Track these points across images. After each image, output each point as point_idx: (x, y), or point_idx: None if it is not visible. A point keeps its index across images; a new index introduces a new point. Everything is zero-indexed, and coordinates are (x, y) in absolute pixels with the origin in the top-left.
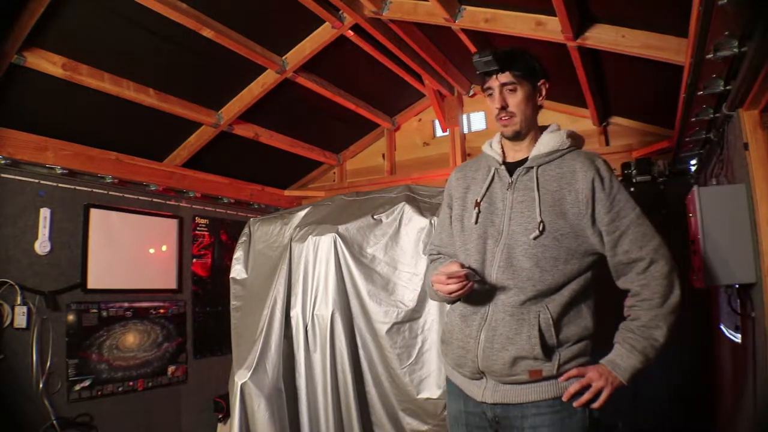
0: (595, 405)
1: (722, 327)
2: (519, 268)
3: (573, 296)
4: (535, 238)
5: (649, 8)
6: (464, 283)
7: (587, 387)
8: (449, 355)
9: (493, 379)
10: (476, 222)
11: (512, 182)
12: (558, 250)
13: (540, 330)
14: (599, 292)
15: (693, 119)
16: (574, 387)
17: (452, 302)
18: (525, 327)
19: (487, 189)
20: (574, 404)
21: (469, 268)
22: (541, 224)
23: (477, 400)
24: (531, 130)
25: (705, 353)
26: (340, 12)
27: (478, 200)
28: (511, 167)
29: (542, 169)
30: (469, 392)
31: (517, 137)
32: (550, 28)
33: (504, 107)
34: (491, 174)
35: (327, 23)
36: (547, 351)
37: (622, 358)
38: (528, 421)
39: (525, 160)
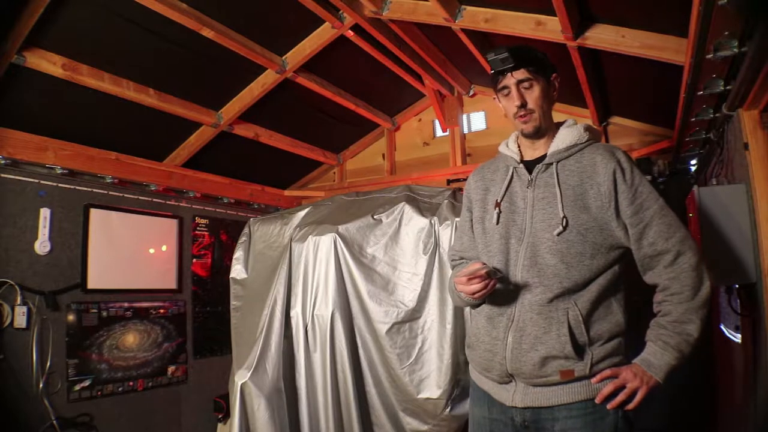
0: (630, 406)
1: (722, 327)
2: (544, 265)
3: (601, 291)
4: (558, 234)
5: (649, 8)
6: (486, 281)
7: (621, 388)
8: (475, 359)
9: (522, 382)
10: (497, 222)
11: (532, 180)
12: (583, 245)
13: (570, 327)
14: (628, 288)
15: (693, 119)
16: (608, 388)
17: (477, 305)
18: (554, 325)
19: (507, 188)
20: (608, 406)
21: (490, 266)
22: (564, 219)
23: (506, 405)
24: (549, 125)
25: (705, 353)
26: (340, 12)
27: (498, 200)
28: (529, 165)
29: (561, 165)
30: (497, 397)
31: (537, 134)
32: (550, 28)
33: (524, 104)
34: (510, 173)
35: (327, 23)
36: (579, 349)
37: (656, 356)
38: (559, 424)
39: (543, 157)
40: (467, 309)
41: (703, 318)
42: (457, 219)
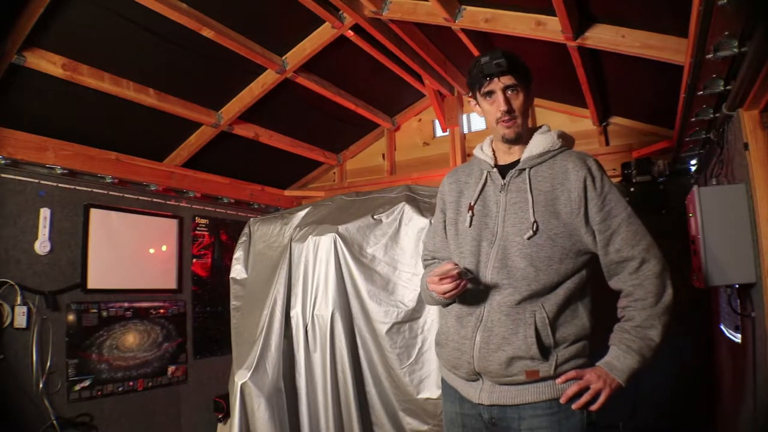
0: (594, 407)
1: (722, 327)
2: (513, 268)
3: (568, 295)
4: (529, 238)
5: (649, 8)
6: (458, 281)
7: (585, 389)
8: (444, 357)
9: (489, 380)
10: (470, 225)
11: (505, 184)
12: (552, 250)
13: (536, 329)
14: (595, 293)
15: (693, 119)
16: (572, 389)
17: (447, 304)
18: (521, 327)
19: (480, 192)
20: (573, 406)
21: (462, 267)
22: (535, 224)
23: (473, 402)
24: (526, 132)
25: (705, 353)
26: (340, 12)
27: (472, 203)
28: (503, 170)
29: (534, 170)
30: (465, 394)
31: (518, 140)
32: (550, 28)
33: (510, 110)
34: (484, 177)
35: (327, 23)
36: (544, 351)
37: (619, 359)
38: (525, 422)
39: (517, 162)
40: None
41: (665, 324)
42: None
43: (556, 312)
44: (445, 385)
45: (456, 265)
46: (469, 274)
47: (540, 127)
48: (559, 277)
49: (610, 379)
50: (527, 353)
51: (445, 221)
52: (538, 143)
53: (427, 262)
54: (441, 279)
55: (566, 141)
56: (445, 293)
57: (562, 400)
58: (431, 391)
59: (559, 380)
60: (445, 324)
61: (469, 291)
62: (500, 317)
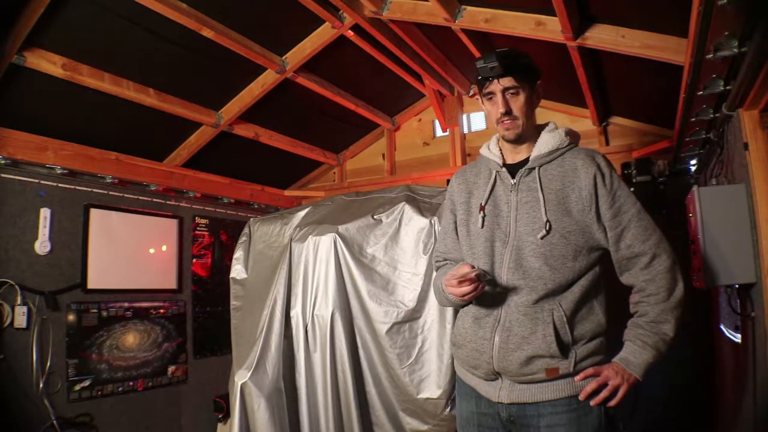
0: (612, 403)
1: (722, 327)
2: (529, 268)
3: (584, 293)
4: (542, 238)
5: (649, 8)
6: (476, 284)
7: (604, 385)
8: (462, 357)
9: (509, 379)
10: (482, 226)
11: (515, 184)
12: (566, 248)
13: (555, 328)
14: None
15: (693, 119)
16: (591, 386)
17: (464, 306)
18: (540, 326)
19: (491, 192)
20: (592, 402)
21: (480, 269)
22: (548, 223)
23: (493, 401)
24: (530, 131)
25: (705, 353)
26: (340, 12)
27: (483, 204)
28: (512, 169)
29: (544, 169)
30: (484, 393)
31: (519, 140)
32: (550, 28)
33: (508, 112)
34: (493, 177)
35: (327, 23)
36: (563, 348)
37: (635, 354)
38: (544, 419)
39: (525, 161)
40: None
41: (678, 318)
42: None
43: (573, 309)
44: (461, 384)
45: (473, 267)
46: (487, 276)
47: (547, 124)
48: (574, 275)
49: (627, 374)
50: (547, 351)
51: (455, 222)
52: (547, 142)
53: (438, 263)
54: (459, 282)
55: (573, 138)
56: (463, 296)
57: (581, 397)
58: (431, 391)
59: (577, 378)
60: (462, 325)
61: (486, 292)
62: (518, 317)
